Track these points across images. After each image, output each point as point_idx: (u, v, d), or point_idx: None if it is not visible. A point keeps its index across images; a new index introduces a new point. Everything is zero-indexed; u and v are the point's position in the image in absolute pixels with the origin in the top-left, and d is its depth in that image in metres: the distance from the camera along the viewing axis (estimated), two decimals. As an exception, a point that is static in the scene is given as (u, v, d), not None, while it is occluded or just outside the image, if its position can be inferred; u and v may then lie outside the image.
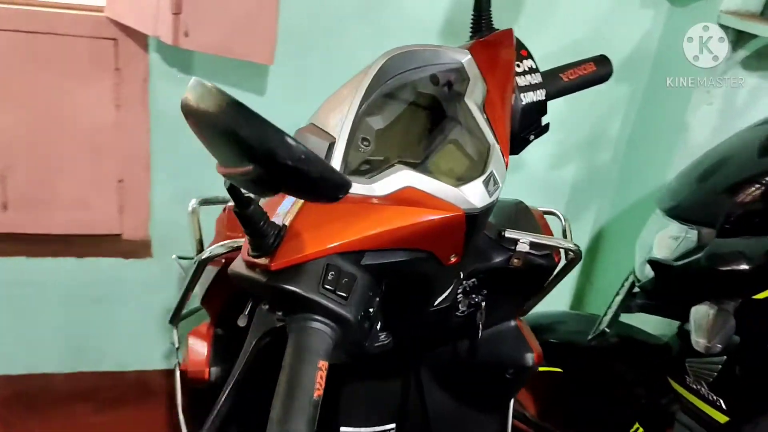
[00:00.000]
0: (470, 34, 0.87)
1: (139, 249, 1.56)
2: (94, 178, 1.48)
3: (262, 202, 0.58)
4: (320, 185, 0.48)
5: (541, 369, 0.91)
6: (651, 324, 1.29)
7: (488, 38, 0.83)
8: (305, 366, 0.51)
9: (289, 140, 0.45)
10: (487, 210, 0.66)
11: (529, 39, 0.84)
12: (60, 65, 1.36)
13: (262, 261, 0.56)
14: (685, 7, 1.49)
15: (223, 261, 0.80)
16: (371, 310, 0.62)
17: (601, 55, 0.90)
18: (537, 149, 0.98)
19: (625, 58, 1.56)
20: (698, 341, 0.93)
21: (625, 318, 1.18)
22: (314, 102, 0.67)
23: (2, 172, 1.43)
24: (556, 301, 1.70)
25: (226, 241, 0.76)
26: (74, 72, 1.37)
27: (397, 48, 0.70)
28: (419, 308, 0.74)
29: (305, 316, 0.55)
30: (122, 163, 1.48)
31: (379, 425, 0.87)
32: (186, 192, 1.53)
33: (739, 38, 1.36)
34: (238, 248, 0.75)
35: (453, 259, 0.67)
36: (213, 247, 0.77)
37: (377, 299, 0.63)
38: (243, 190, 0.52)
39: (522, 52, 0.82)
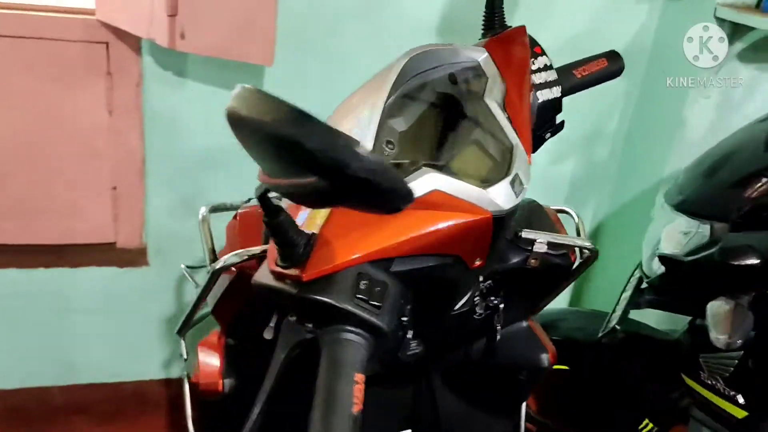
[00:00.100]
0: (482, 31, 0.86)
1: (134, 257, 1.53)
2: (86, 185, 1.44)
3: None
4: (387, 197, 0.45)
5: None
6: (653, 319, 1.29)
7: (501, 36, 0.82)
8: (342, 381, 0.50)
9: (361, 151, 0.42)
10: (513, 212, 0.65)
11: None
12: (50, 70, 1.32)
13: (293, 272, 0.55)
14: (680, 0, 1.49)
15: (235, 270, 0.78)
16: (404, 318, 0.61)
17: (611, 51, 0.90)
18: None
19: (621, 53, 1.54)
20: (718, 337, 0.93)
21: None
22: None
23: (-10, 180, 1.39)
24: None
25: (240, 250, 0.73)
26: (65, 77, 1.33)
27: (417, 47, 0.69)
28: (442, 313, 0.72)
29: (338, 327, 0.54)
30: (115, 170, 1.44)
31: None
32: (181, 198, 1.52)
33: (735, 31, 1.36)
34: (253, 257, 0.73)
35: (478, 263, 0.66)
36: (227, 256, 0.74)
37: (408, 307, 0.62)
38: (272, 199, 0.50)
39: (536, 49, 0.81)
